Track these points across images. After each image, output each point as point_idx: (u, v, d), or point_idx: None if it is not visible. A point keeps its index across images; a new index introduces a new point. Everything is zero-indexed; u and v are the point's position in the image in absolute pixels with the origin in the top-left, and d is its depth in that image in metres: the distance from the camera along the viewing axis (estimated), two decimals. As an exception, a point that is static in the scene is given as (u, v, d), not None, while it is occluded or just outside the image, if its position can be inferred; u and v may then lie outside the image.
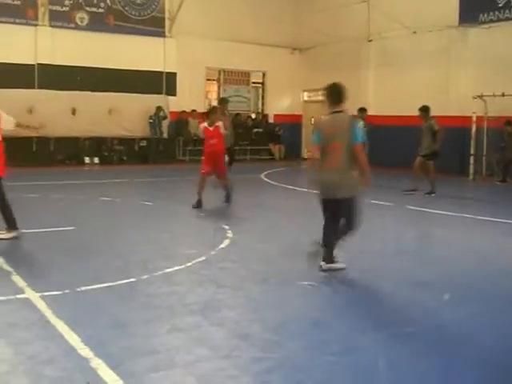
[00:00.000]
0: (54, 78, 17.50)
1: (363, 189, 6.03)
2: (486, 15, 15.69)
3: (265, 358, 3.92)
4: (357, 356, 4.01)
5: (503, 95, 14.57)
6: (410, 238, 8.26)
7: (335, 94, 6.00)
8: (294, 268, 6.35)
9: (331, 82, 6.15)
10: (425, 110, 13.12)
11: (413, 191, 12.31)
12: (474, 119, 15.51)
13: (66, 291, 5.22)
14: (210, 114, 10.44)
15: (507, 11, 15.29)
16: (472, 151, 15.69)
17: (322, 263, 6.05)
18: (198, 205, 9.90)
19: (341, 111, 5.98)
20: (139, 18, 19.33)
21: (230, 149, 13.51)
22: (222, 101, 14.47)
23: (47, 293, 5.12)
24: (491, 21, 15.60)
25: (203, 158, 10.34)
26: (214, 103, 21.73)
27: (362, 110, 14.15)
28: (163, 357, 3.90)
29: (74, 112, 17.88)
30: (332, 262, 6.07)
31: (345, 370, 3.81)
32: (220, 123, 10.19)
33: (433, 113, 16.73)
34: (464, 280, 6.00)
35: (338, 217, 6.01)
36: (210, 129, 10.16)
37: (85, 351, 3.91)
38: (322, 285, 5.66)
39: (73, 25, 18.23)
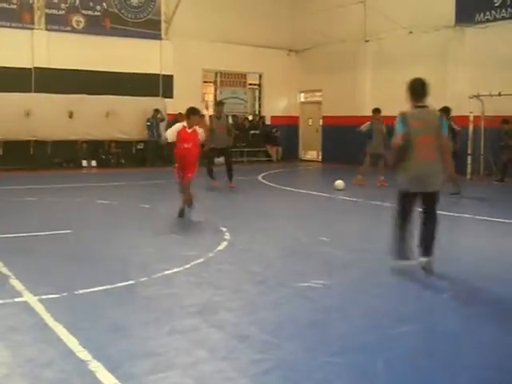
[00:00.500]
0: (50, 82, 17.50)
1: (450, 180, 6.08)
2: (482, 15, 15.71)
3: (263, 360, 3.92)
4: (356, 356, 4.02)
5: (500, 95, 14.59)
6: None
7: (418, 88, 6.04)
8: (291, 269, 6.35)
9: (410, 78, 6.17)
10: (446, 110, 13.07)
11: (457, 194, 11.78)
12: (471, 119, 15.53)
13: (65, 294, 5.21)
14: (190, 115, 9.28)
15: (503, 10, 15.32)
16: (469, 151, 15.70)
17: (397, 261, 6.03)
18: (185, 210, 9.27)
19: (425, 106, 6.06)
20: (135, 20, 19.34)
21: (225, 149, 13.53)
22: (219, 104, 14.52)
23: (45, 296, 5.12)
24: (487, 20, 15.62)
25: (176, 164, 9.33)
26: (211, 105, 21.85)
27: (376, 111, 14.04)
28: (162, 359, 3.90)
29: (71, 115, 17.87)
30: (406, 257, 6.01)
31: (343, 371, 3.81)
32: (200, 130, 9.42)
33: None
34: (463, 279, 6.00)
35: (413, 211, 6.02)
36: (188, 131, 9.17)
37: (83, 354, 3.90)
38: (320, 285, 5.65)
39: (69, 28, 18.24)
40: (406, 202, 5.97)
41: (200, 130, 9.45)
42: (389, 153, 5.97)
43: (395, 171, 6.02)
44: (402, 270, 6.00)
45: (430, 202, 5.99)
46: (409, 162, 5.83)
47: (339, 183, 13.01)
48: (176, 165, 9.33)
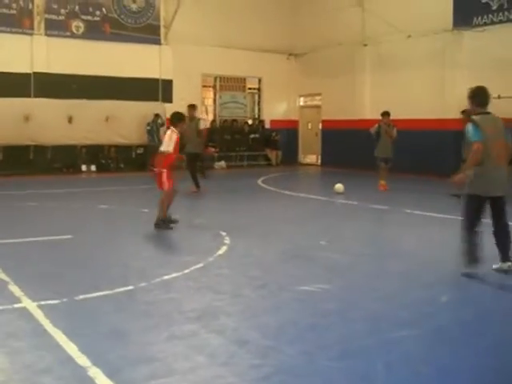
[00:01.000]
0: (50, 87, 17.52)
1: None
2: (479, 18, 15.73)
3: (263, 365, 3.91)
4: (355, 360, 4.01)
5: (499, 97, 14.56)
6: (408, 241, 8.27)
7: (484, 95, 6.23)
8: (291, 273, 6.34)
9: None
10: (468, 113, 12.93)
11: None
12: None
13: (64, 300, 5.20)
14: (179, 122, 9.05)
15: (501, 14, 15.36)
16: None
17: (470, 265, 6.01)
18: (169, 223, 8.82)
19: (490, 112, 6.24)
20: (135, 25, 19.37)
21: (199, 155, 13.38)
22: (191, 106, 13.84)
23: (44, 302, 5.11)
24: (485, 24, 15.63)
25: (165, 170, 8.74)
26: (210, 109, 21.84)
27: (385, 114, 13.83)
28: (161, 365, 3.90)
29: (70, 120, 17.88)
30: (479, 261, 6.00)
31: (343, 375, 3.80)
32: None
33: (429, 116, 16.83)
34: (463, 282, 6.00)
35: (482, 216, 6.07)
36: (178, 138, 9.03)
37: (82, 360, 3.90)
38: (319, 289, 5.65)
39: (69, 33, 18.26)
40: (478, 206, 6.02)
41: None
42: (469, 159, 5.99)
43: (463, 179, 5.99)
44: (473, 274, 5.98)
45: (501, 206, 6.09)
46: (485, 167, 5.92)
47: (339, 186, 13.00)
48: (165, 171, 8.77)
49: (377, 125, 13.99)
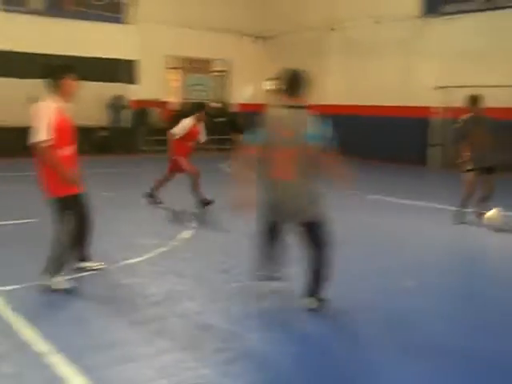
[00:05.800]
0: (8, 66, 16.97)
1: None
2: (448, 6, 15.67)
3: (225, 349, 3.90)
4: (314, 343, 4.03)
5: (464, 86, 14.69)
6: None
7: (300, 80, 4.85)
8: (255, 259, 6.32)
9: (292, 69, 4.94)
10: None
11: None
12: (436, 110, 15.66)
13: (24, 285, 5.09)
14: (198, 110, 9.38)
15: (470, 3, 15.37)
16: (432, 141, 15.89)
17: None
18: (208, 202, 9.11)
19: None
20: (98, 3, 18.89)
21: None
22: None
23: (3, 287, 4.99)
24: (454, 12, 15.56)
25: (182, 157, 9.28)
26: (176, 91, 21.60)
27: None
28: (123, 350, 3.86)
29: (29, 101, 17.38)
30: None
31: (310, 362, 3.82)
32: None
33: (395, 103, 16.92)
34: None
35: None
36: (198, 127, 9.33)
37: (43, 346, 3.83)
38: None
39: (28, 9, 17.65)
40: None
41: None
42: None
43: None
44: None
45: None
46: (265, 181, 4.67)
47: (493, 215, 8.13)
48: (181, 157, 9.28)
49: None
